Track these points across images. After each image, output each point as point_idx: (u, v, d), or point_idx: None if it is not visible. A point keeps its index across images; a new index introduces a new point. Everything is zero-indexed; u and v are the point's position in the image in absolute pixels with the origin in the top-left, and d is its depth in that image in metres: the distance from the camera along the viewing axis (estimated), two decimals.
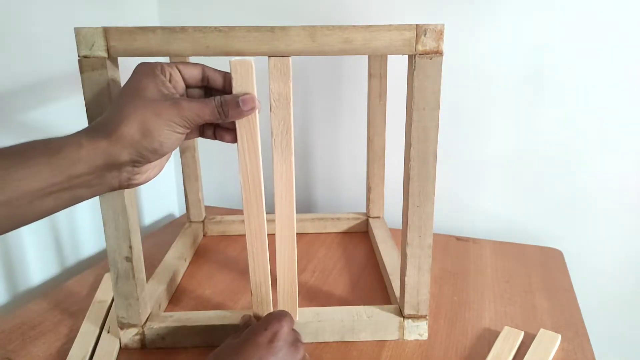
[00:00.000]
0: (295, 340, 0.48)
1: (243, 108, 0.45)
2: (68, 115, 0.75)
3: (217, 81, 0.47)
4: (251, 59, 0.46)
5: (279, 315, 0.49)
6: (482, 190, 0.87)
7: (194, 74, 0.46)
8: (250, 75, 0.46)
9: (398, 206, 0.58)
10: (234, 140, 0.48)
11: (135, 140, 0.41)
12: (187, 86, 0.47)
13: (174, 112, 0.42)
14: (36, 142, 0.40)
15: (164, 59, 0.95)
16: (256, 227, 0.51)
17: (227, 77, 0.47)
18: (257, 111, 0.47)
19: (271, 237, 0.52)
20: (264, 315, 0.52)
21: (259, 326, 0.48)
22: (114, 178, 0.43)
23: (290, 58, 0.47)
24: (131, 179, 0.44)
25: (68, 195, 0.40)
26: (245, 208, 0.50)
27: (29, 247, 0.72)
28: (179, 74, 0.46)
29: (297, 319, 0.56)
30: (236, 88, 0.46)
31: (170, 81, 0.45)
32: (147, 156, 0.42)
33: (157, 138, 0.42)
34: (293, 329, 0.50)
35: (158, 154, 0.43)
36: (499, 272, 0.73)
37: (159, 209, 1.01)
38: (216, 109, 0.45)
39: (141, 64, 0.45)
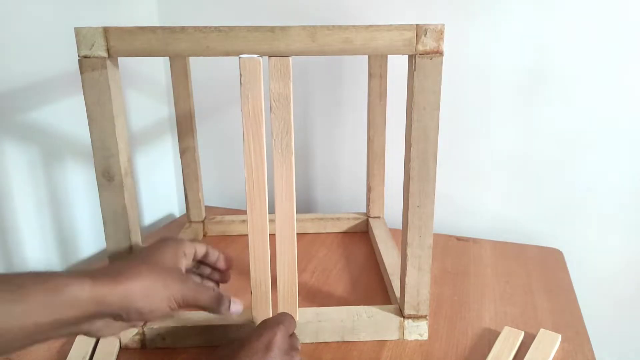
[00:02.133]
0: (290, 348, 0.48)
1: (231, 308, 0.49)
2: (68, 115, 0.75)
3: (212, 257, 0.53)
4: (259, 57, 0.46)
5: (273, 323, 0.48)
6: (482, 190, 0.87)
7: (201, 252, 0.52)
8: (258, 72, 0.46)
9: (398, 206, 0.58)
10: None
11: (133, 299, 0.42)
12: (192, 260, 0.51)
13: (178, 287, 0.45)
14: (34, 276, 0.38)
15: (164, 59, 0.95)
16: (258, 224, 0.51)
17: (220, 256, 0.53)
18: (262, 119, 0.48)
19: (271, 237, 0.52)
20: (260, 320, 0.52)
21: (254, 332, 0.47)
22: (90, 325, 0.42)
23: (290, 58, 0.47)
24: (98, 330, 0.43)
25: (43, 335, 0.38)
26: (249, 205, 0.50)
27: (29, 247, 0.72)
28: (194, 252, 0.51)
29: (297, 319, 0.56)
30: (244, 85, 0.46)
31: (185, 256, 0.49)
32: (131, 316, 0.42)
33: (152, 305, 0.43)
34: (291, 335, 0.50)
35: (141, 318, 0.43)
36: (499, 272, 0.73)
37: (159, 209, 1.01)
38: (213, 299, 0.47)
39: (170, 239, 0.49)
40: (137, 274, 0.42)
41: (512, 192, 0.86)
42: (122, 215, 0.50)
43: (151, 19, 0.94)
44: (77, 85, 0.48)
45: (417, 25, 0.46)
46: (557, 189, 0.83)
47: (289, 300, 0.55)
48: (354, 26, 0.46)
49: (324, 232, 0.87)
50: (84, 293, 0.38)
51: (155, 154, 0.98)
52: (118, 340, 0.56)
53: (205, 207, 0.88)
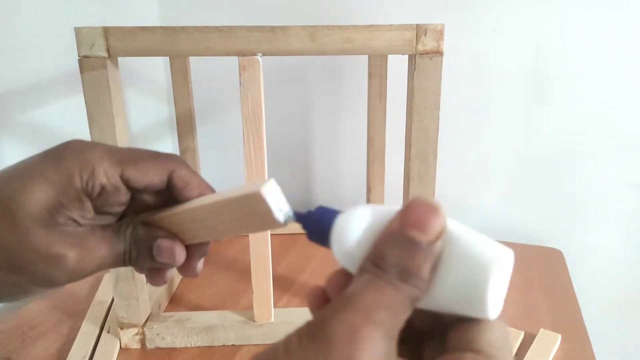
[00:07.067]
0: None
1: (156, 257, 0.30)
2: (68, 115, 0.75)
3: (189, 192, 0.32)
4: (259, 57, 0.45)
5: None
6: (482, 190, 0.87)
7: (152, 183, 0.30)
8: (257, 72, 0.45)
9: (398, 206, 0.58)
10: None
11: None
12: (142, 192, 0.31)
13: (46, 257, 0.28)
14: None
15: (164, 59, 0.95)
16: None
17: (201, 186, 0.32)
18: (262, 119, 0.46)
19: (273, 237, 0.52)
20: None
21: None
22: None
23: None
24: None
25: None
26: None
27: None
28: (120, 184, 0.30)
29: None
30: (244, 85, 0.46)
31: (99, 195, 0.29)
32: None
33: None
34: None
35: None
36: None
37: None
38: (124, 250, 0.30)
39: (71, 148, 0.31)
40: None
41: (512, 193, 0.86)
42: None
43: (151, 19, 0.94)
44: (77, 85, 0.48)
45: (417, 25, 0.46)
46: (557, 189, 0.83)
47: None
48: (354, 26, 0.46)
49: None
50: None
51: None
52: (118, 340, 0.56)
53: None
